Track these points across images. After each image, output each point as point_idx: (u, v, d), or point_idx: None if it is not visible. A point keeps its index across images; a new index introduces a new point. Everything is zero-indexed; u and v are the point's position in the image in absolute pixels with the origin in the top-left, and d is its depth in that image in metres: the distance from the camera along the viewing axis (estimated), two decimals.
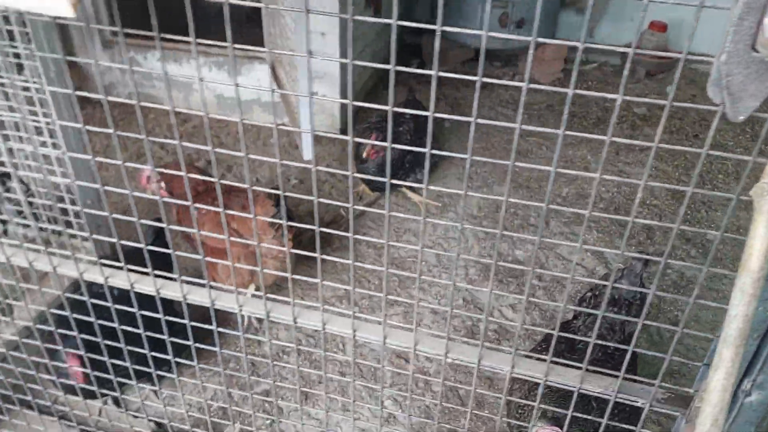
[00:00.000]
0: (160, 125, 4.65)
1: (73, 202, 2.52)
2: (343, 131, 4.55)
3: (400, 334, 1.41)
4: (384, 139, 3.49)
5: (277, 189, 2.88)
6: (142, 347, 1.59)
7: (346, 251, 3.52)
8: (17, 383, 1.97)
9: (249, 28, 4.48)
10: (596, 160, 4.36)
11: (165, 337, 1.55)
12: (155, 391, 2.62)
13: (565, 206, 3.93)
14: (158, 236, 2.65)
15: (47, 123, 2.32)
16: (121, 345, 1.62)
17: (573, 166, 4.28)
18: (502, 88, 5.24)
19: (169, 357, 1.59)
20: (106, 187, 1.31)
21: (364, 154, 3.48)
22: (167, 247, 1.40)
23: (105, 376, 1.76)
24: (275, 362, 2.54)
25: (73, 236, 2.80)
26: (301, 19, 3.92)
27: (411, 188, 3.93)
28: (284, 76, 4.11)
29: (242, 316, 1.94)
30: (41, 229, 2.58)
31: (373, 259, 3.49)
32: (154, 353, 1.63)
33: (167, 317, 1.52)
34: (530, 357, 1.40)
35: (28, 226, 2.56)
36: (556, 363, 1.29)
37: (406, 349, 1.38)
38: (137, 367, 1.69)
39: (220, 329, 1.49)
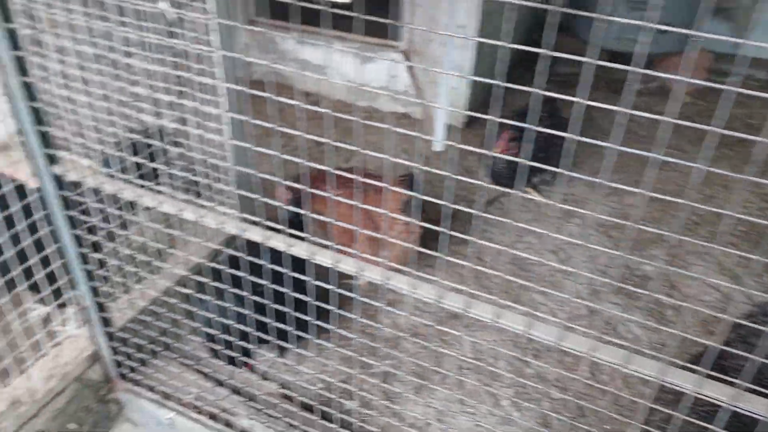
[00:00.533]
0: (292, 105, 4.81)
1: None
2: (468, 124, 4.53)
3: (573, 338, 1.39)
4: (517, 137, 3.44)
5: (409, 175, 2.98)
6: (280, 312, 1.71)
7: (464, 246, 3.50)
8: (160, 336, 2.12)
9: (387, 13, 4.51)
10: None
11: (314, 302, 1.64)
12: (283, 349, 2.73)
13: (701, 224, 3.73)
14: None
15: (212, 83, 2.48)
16: (269, 304, 1.72)
17: (712, 183, 4.06)
18: (632, 93, 5.05)
19: (315, 321, 1.68)
20: (266, 150, 1.38)
21: (496, 150, 3.44)
22: (301, 223, 1.50)
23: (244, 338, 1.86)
24: (391, 348, 2.55)
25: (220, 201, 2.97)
26: (440, 9, 3.93)
27: (536, 188, 3.86)
28: (418, 66, 4.14)
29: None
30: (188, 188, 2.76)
31: (493, 257, 3.46)
32: (299, 315, 1.73)
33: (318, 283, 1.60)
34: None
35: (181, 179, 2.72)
36: (752, 391, 1.23)
37: (581, 353, 1.36)
38: (282, 326, 1.79)
39: (365, 299, 1.53)
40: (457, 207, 1.43)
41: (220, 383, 2.35)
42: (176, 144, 2.62)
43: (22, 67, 1.68)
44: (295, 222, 1.68)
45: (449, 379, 2.75)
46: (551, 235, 1.47)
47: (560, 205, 3.82)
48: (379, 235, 1.70)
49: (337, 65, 4.66)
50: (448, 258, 1.51)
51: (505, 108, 4.22)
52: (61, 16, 2.29)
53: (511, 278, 1.51)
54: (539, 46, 1.12)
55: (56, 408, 2.26)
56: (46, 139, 1.79)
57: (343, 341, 2.73)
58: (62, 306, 2.36)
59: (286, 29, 4.84)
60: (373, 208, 1.54)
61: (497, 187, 3.73)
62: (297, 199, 2.96)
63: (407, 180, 2.97)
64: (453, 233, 1.41)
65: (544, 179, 3.78)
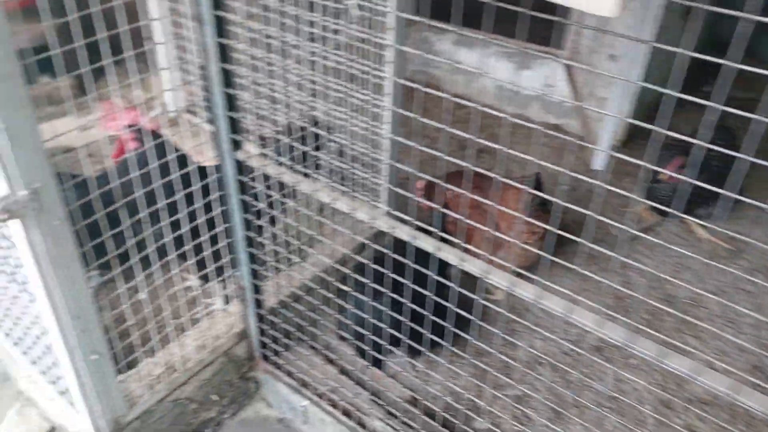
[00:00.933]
0: (438, 106, 4.77)
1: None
2: (625, 143, 4.25)
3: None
4: (687, 164, 3.16)
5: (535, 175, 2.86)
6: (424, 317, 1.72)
7: (601, 273, 3.27)
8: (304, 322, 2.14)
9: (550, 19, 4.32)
10: None
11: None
12: (416, 355, 2.70)
13: None
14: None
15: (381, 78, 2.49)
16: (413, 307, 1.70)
17: None
18: None
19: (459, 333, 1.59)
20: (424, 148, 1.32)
21: (664, 176, 3.18)
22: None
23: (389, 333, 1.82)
24: (528, 371, 2.43)
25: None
26: (608, 19, 3.69)
27: (700, 222, 3.54)
28: (579, 78, 3.94)
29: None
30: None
31: (644, 291, 3.20)
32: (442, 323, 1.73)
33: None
34: None
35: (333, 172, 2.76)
36: None
37: None
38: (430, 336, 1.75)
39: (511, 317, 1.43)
40: (611, 222, 1.35)
41: (359, 381, 2.36)
42: (339, 138, 2.66)
43: (223, 54, 1.75)
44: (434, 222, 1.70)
45: (587, 415, 2.58)
46: (724, 268, 1.30)
47: (728, 233, 3.48)
48: (501, 236, 1.65)
49: (491, 69, 4.55)
50: (592, 274, 1.39)
51: (672, 128, 3.90)
52: (255, 7, 2.38)
53: (671, 311, 1.35)
54: (707, 68, 1.00)
55: (203, 378, 2.37)
56: (234, 125, 1.86)
57: (479, 356, 2.64)
58: (220, 282, 2.47)
59: (443, 31, 4.80)
60: (485, 201, 1.49)
61: (664, 208, 3.46)
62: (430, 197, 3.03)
63: (531, 181, 2.85)
64: (595, 247, 1.29)
65: (708, 212, 3.44)
